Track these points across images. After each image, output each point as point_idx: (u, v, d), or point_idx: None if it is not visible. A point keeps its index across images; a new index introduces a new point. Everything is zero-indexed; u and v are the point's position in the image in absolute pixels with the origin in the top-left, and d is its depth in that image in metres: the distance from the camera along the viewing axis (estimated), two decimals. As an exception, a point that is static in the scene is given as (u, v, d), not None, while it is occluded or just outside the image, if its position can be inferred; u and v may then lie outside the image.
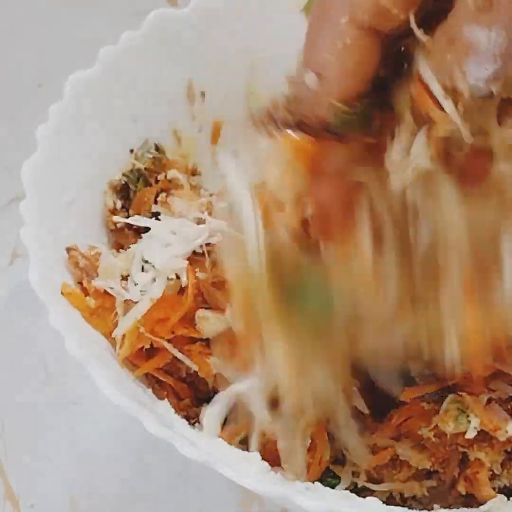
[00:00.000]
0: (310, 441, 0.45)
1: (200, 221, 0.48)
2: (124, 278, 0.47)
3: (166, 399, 0.46)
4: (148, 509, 0.53)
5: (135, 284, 0.45)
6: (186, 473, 0.53)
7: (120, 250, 0.50)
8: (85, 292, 0.47)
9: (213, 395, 0.45)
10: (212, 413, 0.44)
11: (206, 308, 0.45)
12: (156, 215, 0.52)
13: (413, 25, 0.34)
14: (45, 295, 0.44)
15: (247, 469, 0.43)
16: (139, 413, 0.40)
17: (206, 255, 0.46)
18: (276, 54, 0.58)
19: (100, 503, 0.53)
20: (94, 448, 0.55)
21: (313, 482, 0.44)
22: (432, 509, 0.45)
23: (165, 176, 0.54)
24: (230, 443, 0.44)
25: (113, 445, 0.55)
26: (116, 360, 0.46)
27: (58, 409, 0.56)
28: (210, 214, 0.49)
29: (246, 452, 0.44)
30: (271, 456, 0.44)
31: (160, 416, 0.43)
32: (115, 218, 0.52)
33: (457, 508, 0.45)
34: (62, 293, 0.46)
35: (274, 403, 0.43)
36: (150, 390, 0.46)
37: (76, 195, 0.51)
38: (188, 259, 0.46)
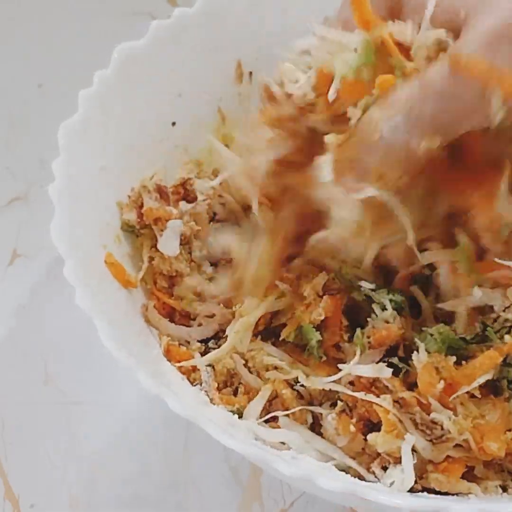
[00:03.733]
0: None
1: None
2: None
3: (169, 362, 0.46)
4: (148, 509, 0.53)
5: None
6: (186, 473, 0.53)
7: None
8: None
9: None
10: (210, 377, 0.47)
11: None
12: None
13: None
14: (64, 247, 0.43)
15: (236, 432, 0.43)
16: (135, 368, 0.40)
17: None
18: None
19: (100, 503, 0.53)
20: (94, 448, 0.55)
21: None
22: None
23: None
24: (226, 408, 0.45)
25: (113, 445, 0.55)
26: (130, 318, 0.47)
27: (58, 409, 0.56)
28: None
29: (237, 417, 0.44)
30: None
31: (158, 374, 0.43)
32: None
33: None
34: (105, 262, 0.47)
35: None
36: (156, 351, 0.47)
37: (109, 163, 0.51)
38: None
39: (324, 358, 0.47)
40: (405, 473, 0.43)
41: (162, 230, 0.50)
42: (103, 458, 0.54)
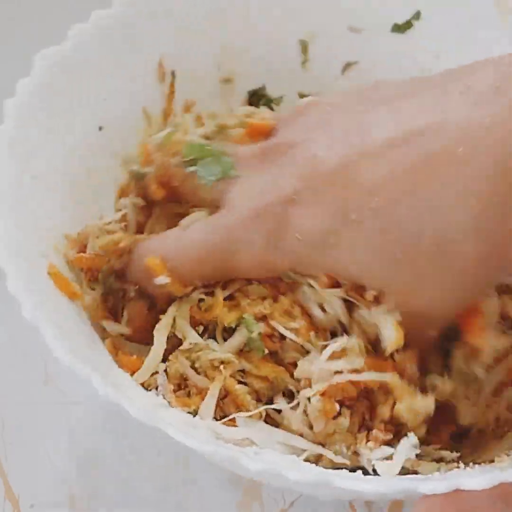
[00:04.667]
0: None
1: None
2: None
3: (121, 370, 0.47)
4: (148, 509, 0.53)
5: None
6: (186, 473, 0.53)
7: None
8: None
9: None
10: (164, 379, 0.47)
11: None
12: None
13: None
14: (4, 256, 0.43)
15: (197, 433, 0.43)
16: (92, 376, 0.40)
17: None
18: (248, 37, 0.59)
19: (100, 503, 0.53)
20: (94, 448, 0.55)
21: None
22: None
23: None
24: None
25: (113, 445, 0.55)
26: (80, 327, 0.47)
27: (58, 409, 0.56)
28: None
29: (196, 418, 0.44)
30: None
31: (114, 382, 0.43)
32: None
33: None
34: (48, 273, 0.47)
35: None
36: (108, 359, 0.47)
37: (41, 172, 0.50)
38: None
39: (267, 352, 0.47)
40: (395, 460, 0.43)
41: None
42: (103, 458, 0.54)
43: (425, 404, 0.44)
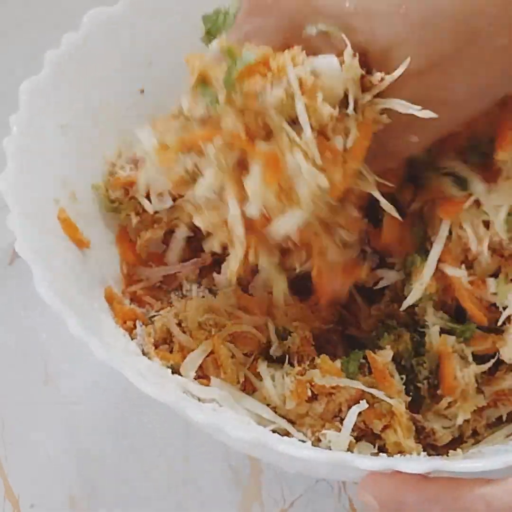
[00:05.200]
0: None
1: None
2: None
3: (111, 318, 0.47)
4: (148, 509, 0.53)
5: None
6: (186, 473, 0.53)
7: None
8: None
9: None
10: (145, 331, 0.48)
11: None
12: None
13: None
14: (11, 198, 0.44)
15: (162, 382, 0.43)
16: (65, 314, 0.40)
17: None
18: None
19: (100, 503, 0.53)
20: (94, 448, 0.55)
21: None
22: None
23: None
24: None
25: (113, 445, 0.55)
26: (78, 274, 0.47)
27: (58, 409, 0.56)
28: None
29: (170, 372, 0.45)
30: None
31: (93, 325, 0.43)
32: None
33: None
34: (58, 218, 0.47)
35: None
36: (98, 305, 0.47)
37: (71, 121, 0.50)
38: None
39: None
40: (342, 433, 0.44)
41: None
42: (103, 458, 0.54)
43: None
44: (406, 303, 0.47)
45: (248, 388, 0.47)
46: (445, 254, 0.46)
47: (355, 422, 0.44)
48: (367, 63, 0.40)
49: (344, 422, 0.44)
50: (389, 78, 0.39)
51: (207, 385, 0.45)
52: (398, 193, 0.47)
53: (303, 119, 0.39)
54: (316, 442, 0.44)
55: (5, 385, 0.57)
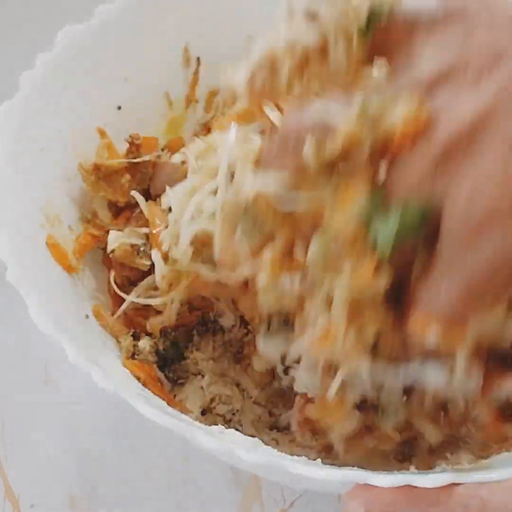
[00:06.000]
0: None
1: None
2: None
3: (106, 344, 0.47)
4: (148, 509, 0.53)
5: None
6: (186, 473, 0.53)
7: None
8: None
9: None
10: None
11: None
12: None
13: None
14: None
15: (168, 409, 0.43)
16: (62, 341, 0.40)
17: None
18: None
19: (100, 503, 0.53)
20: (94, 448, 0.55)
21: None
22: None
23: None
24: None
25: (113, 445, 0.55)
26: (68, 297, 0.47)
27: (57, 409, 0.56)
28: None
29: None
30: None
31: (91, 351, 0.43)
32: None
33: None
34: (47, 244, 0.47)
35: None
36: (89, 327, 0.47)
37: (50, 144, 0.50)
38: None
39: None
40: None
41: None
42: (103, 458, 0.54)
43: None
44: None
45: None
46: None
47: None
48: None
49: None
50: None
51: None
52: None
53: None
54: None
55: (5, 385, 0.57)
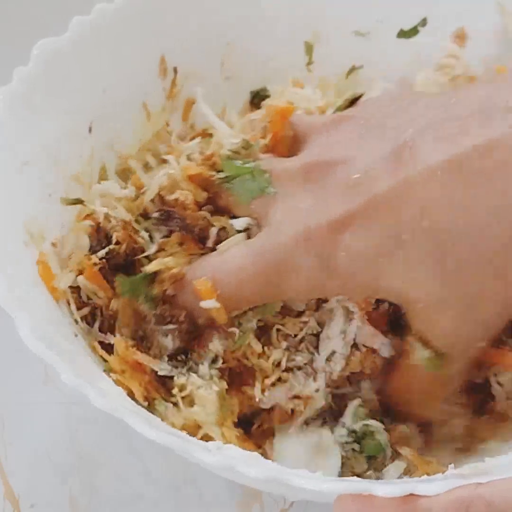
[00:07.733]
0: None
1: None
2: None
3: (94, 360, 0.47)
4: (148, 509, 0.53)
5: None
6: (186, 473, 0.54)
7: None
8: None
9: None
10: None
11: None
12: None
13: None
14: None
15: (162, 425, 0.43)
16: (55, 361, 0.40)
17: None
18: (251, 33, 0.59)
19: (100, 503, 0.53)
20: (94, 448, 0.55)
21: None
22: None
23: None
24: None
25: (113, 445, 0.55)
26: (56, 316, 0.47)
27: (58, 409, 0.56)
28: None
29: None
30: None
31: (84, 371, 0.44)
32: None
33: None
34: (37, 263, 0.47)
35: None
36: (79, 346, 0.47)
37: (32, 158, 0.49)
38: None
39: None
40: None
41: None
42: (103, 458, 0.54)
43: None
44: None
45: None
46: None
47: None
48: None
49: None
50: None
51: None
52: None
53: None
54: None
55: (5, 385, 0.57)
